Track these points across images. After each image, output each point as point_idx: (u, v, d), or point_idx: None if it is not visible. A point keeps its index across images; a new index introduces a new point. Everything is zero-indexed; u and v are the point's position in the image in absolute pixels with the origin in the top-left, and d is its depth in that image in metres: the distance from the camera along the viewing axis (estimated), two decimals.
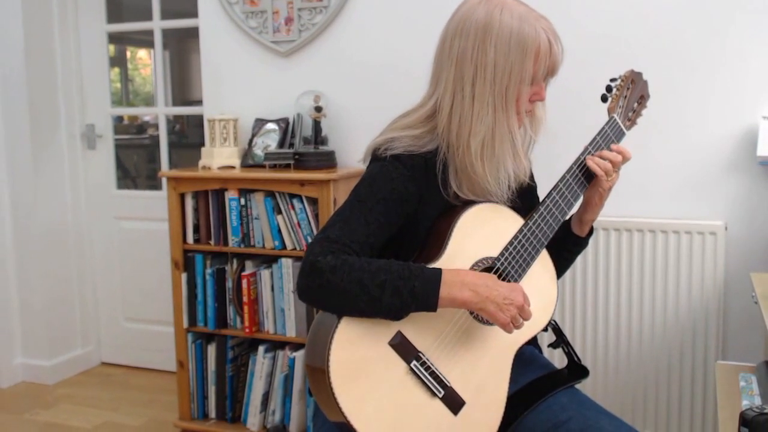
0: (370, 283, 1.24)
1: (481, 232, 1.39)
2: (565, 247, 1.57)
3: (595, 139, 1.48)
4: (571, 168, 1.46)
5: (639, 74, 1.59)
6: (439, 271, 1.28)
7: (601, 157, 1.46)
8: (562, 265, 1.58)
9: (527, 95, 1.39)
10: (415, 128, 1.42)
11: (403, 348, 1.29)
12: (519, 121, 1.41)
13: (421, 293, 1.26)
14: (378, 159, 1.40)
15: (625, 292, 2.37)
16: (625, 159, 1.48)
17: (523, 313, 1.32)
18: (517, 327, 1.33)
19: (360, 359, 1.26)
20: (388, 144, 1.40)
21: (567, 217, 1.48)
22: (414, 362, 1.29)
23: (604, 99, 1.55)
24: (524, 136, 1.44)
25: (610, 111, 1.53)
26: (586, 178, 1.47)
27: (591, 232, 1.58)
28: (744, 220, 2.28)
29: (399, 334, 1.29)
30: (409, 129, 1.42)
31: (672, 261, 2.30)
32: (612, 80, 1.56)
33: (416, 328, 1.31)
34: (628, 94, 1.55)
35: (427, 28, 2.56)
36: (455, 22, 1.40)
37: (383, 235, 1.34)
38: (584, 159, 1.47)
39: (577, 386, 1.50)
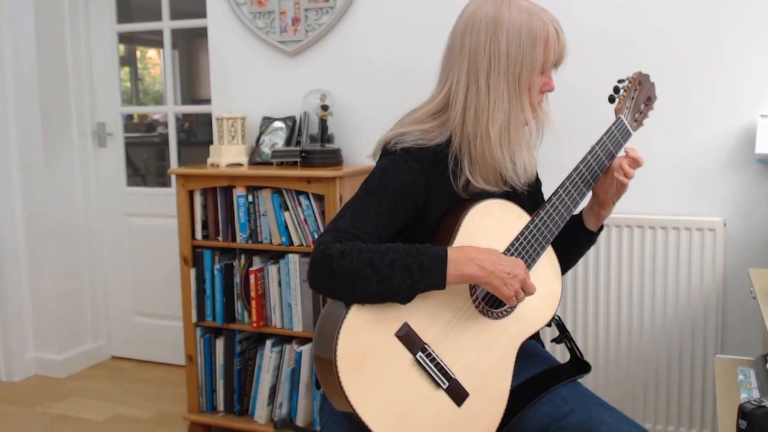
0: (380, 262, 1.26)
1: (488, 227, 1.41)
2: (578, 241, 1.59)
3: (602, 139, 1.51)
4: (577, 167, 1.49)
5: (646, 76, 1.61)
6: (444, 248, 1.31)
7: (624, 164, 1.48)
8: (572, 259, 1.61)
9: (539, 85, 1.43)
10: (424, 123, 1.45)
11: (410, 339, 1.31)
12: (534, 113, 1.44)
13: (429, 268, 1.28)
14: (388, 153, 1.43)
15: (626, 288, 2.38)
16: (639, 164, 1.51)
17: (526, 287, 1.35)
18: (519, 300, 1.35)
19: (367, 350, 1.27)
20: (398, 138, 1.42)
21: (571, 215, 1.50)
22: (420, 354, 1.31)
23: (611, 100, 1.57)
24: (536, 128, 1.48)
25: (617, 112, 1.55)
26: (592, 177, 1.49)
27: (602, 227, 1.61)
28: (742, 216, 2.30)
29: (406, 325, 1.31)
30: (418, 124, 1.45)
31: (672, 257, 2.32)
32: (620, 81, 1.58)
33: (422, 320, 1.33)
34: (636, 96, 1.57)
35: (432, 28, 2.60)
36: (463, 21, 1.43)
37: (392, 227, 1.37)
38: (592, 159, 1.49)
39: (579, 380, 1.52)
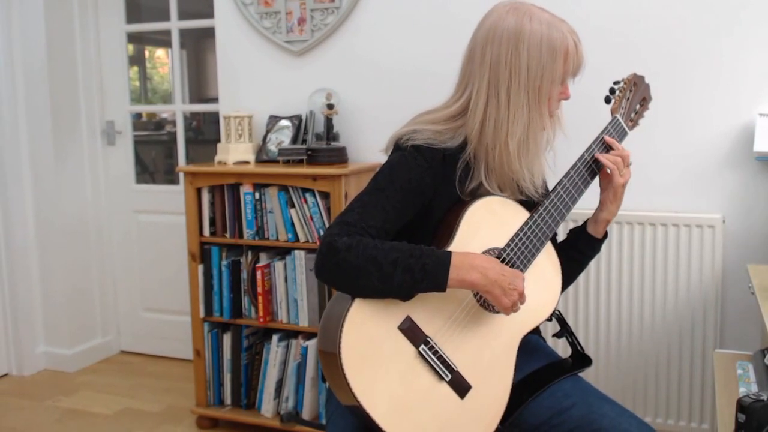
0: (384, 260, 1.28)
1: (488, 223, 1.43)
2: (577, 248, 1.60)
3: (599, 137, 1.54)
4: (575, 165, 1.51)
5: (641, 77, 1.64)
6: (449, 252, 1.33)
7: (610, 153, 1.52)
8: (573, 269, 1.60)
9: (557, 95, 1.46)
10: (438, 124, 1.47)
11: (412, 332, 1.33)
12: (552, 121, 1.47)
13: (431, 271, 1.29)
14: (399, 148, 1.45)
15: (627, 283, 2.40)
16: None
17: (522, 299, 1.37)
18: (514, 311, 1.37)
19: (370, 343, 1.29)
20: (411, 135, 1.45)
21: (570, 211, 1.52)
22: (422, 346, 1.33)
23: (607, 100, 1.60)
24: (551, 135, 1.50)
25: (613, 112, 1.58)
26: (589, 175, 1.52)
27: (605, 237, 1.61)
28: (741, 213, 2.32)
29: (408, 318, 1.33)
30: (432, 124, 1.47)
31: (672, 253, 2.34)
32: (615, 83, 1.61)
33: (425, 314, 1.35)
34: (631, 96, 1.61)
35: (436, 29, 2.63)
36: (484, 31, 1.44)
37: (399, 222, 1.39)
38: (588, 156, 1.52)
39: (580, 374, 1.54)
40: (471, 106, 1.45)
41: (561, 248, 1.58)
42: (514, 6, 1.44)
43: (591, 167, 1.53)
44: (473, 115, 1.44)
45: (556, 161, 1.56)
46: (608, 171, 1.52)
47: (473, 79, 1.45)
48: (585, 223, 1.61)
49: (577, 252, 1.60)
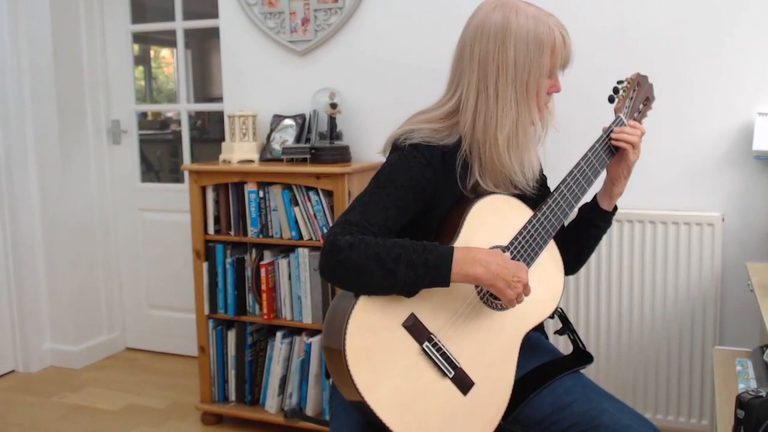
0: (386, 256, 1.29)
1: (492, 221, 1.44)
2: (595, 223, 1.61)
3: (601, 137, 1.55)
4: (578, 164, 1.53)
5: (645, 77, 1.65)
6: (451, 247, 1.33)
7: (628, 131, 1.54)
8: (591, 245, 1.63)
9: (546, 88, 1.47)
10: (434, 123, 1.48)
11: (416, 329, 1.34)
12: (541, 114, 1.48)
13: (434, 265, 1.30)
14: (398, 148, 1.46)
15: (627, 281, 2.42)
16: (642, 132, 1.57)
17: (526, 291, 1.38)
18: (519, 303, 1.39)
19: (375, 340, 1.30)
20: (408, 134, 1.46)
21: (574, 211, 1.54)
22: (426, 343, 1.34)
23: (611, 100, 1.61)
24: (541, 126, 1.51)
25: (616, 111, 1.59)
26: (592, 174, 1.53)
27: (615, 209, 1.64)
28: (740, 211, 2.34)
29: (412, 316, 1.34)
30: (428, 123, 1.48)
31: (671, 251, 2.35)
32: (619, 82, 1.62)
33: (429, 311, 1.36)
34: (634, 96, 1.62)
35: (438, 28, 2.65)
36: (472, 29, 1.46)
37: (401, 220, 1.40)
38: (590, 155, 1.53)
39: (581, 371, 1.56)
40: (462, 103, 1.47)
41: (576, 227, 1.60)
42: (501, 2, 1.45)
43: (595, 167, 1.54)
44: (465, 112, 1.46)
45: (546, 156, 1.58)
46: (625, 148, 1.54)
47: (464, 76, 1.47)
48: (594, 199, 1.63)
49: (595, 227, 1.62)
